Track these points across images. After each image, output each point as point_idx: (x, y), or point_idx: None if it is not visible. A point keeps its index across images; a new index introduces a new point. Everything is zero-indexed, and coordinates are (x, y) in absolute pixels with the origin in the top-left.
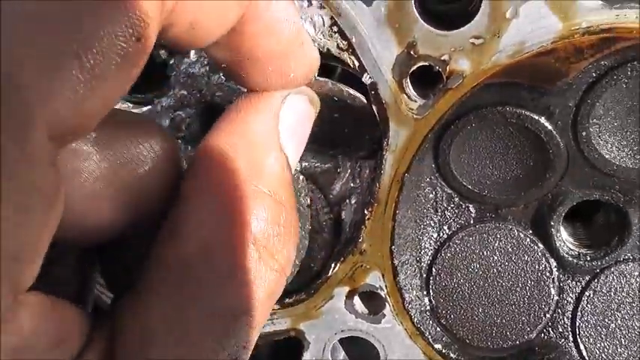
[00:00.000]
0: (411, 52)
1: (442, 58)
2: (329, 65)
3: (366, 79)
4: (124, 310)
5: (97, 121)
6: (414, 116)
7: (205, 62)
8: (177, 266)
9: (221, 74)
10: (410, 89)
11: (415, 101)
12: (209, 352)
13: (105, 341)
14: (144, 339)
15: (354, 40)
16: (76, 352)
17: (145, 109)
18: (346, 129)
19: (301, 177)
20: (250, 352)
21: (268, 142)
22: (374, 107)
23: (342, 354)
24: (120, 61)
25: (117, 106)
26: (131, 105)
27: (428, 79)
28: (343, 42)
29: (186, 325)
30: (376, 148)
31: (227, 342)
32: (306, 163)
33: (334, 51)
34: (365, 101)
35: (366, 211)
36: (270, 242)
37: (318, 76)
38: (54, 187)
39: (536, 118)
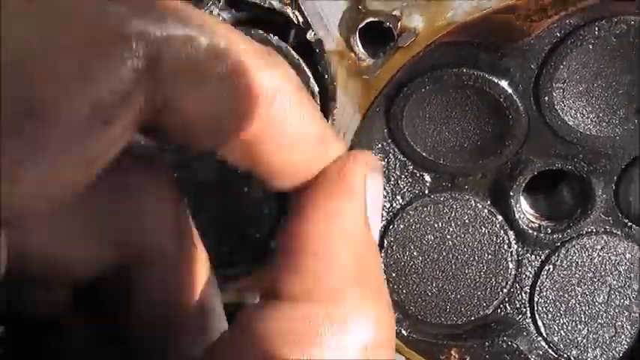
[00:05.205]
0: (359, 7)
1: (393, 14)
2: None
3: (310, 35)
4: None
5: (47, 207)
6: (363, 76)
7: None
8: None
9: None
10: (359, 47)
11: (364, 60)
12: None
13: None
14: None
15: None
16: None
17: None
18: None
19: None
20: None
21: (363, 235)
22: (319, 67)
23: None
24: (77, 143)
25: None
26: None
27: (378, 36)
28: None
29: None
30: None
31: None
32: None
33: (277, 5)
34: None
35: None
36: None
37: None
38: None
39: (495, 81)
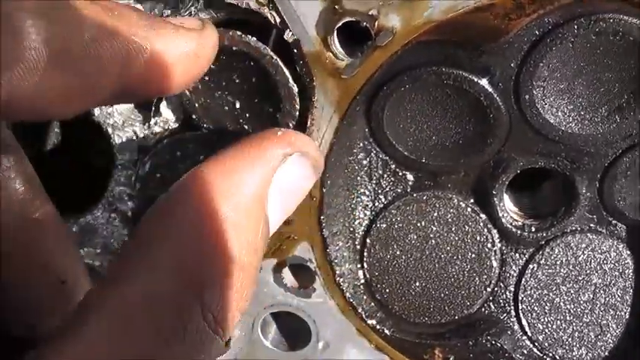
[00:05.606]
0: (336, 7)
1: (370, 13)
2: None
3: (288, 36)
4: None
5: None
6: (341, 76)
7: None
8: (116, 315)
9: None
10: (336, 47)
11: (342, 60)
12: None
13: None
14: None
15: None
16: None
17: None
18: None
19: None
20: None
21: (253, 202)
22: (297, 67)
23: (273, 328)
24: None
25: None
26: None
27: (356, 36)
28: None
29: None
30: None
31: None
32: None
33: (253, 5)
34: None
35: None
36: (218, 309)
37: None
38: None
39: (475, 79)
